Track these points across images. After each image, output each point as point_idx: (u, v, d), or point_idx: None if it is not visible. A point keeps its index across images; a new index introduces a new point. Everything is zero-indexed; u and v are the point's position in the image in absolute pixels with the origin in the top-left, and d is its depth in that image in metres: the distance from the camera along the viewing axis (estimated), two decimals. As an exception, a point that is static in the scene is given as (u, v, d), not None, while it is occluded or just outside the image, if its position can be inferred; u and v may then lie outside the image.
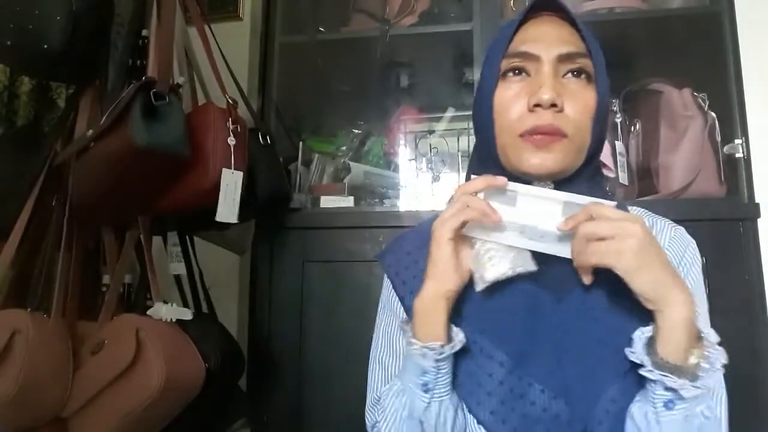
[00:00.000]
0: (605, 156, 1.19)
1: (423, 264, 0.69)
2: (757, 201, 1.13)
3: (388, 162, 1.46)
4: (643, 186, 1.25)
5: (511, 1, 1.32)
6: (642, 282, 0.55)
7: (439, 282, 0.62)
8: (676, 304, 0.54)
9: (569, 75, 0.65)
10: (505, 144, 0.66)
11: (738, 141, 1.16)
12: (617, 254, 0.55)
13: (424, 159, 1.39)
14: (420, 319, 0.62)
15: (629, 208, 0.72)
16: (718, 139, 1.18)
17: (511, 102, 0.65)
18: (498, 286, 0.63)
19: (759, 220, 1.11)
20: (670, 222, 0.71)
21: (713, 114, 1.19)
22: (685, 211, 1.12)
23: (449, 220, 0.61)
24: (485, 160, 0.70)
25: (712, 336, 0.57)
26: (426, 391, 0.61)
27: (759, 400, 1.06)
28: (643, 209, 0.73)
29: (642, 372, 0.56)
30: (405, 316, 0.70)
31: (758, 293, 1.10)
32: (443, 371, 0.61)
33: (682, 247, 0.68)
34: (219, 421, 1.12)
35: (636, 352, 0.57)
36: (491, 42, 0.71)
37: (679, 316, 0.54)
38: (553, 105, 0.62)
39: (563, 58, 0.64)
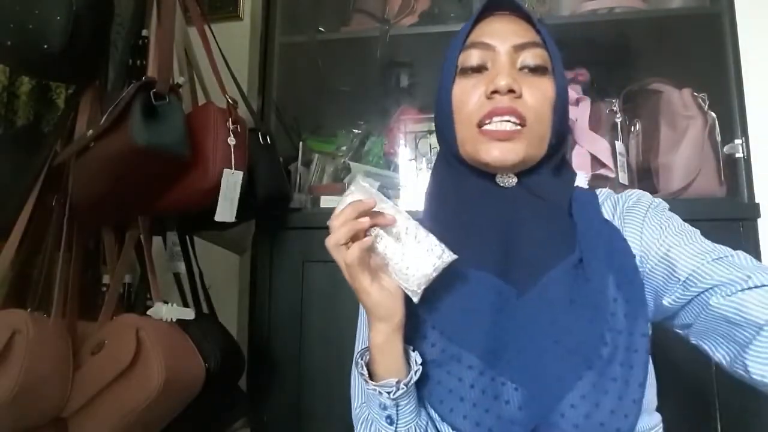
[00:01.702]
0: (605, 156, 1.19)
1: None
2: (757, 201, 1.13)
3: (388, 162, 1.45)
4: (643, 186, 1.24)
5: (511, 1, 1.32)
6: None
7: (387, 320, 0.60)
8: None
9: (526, 70, 0.65)
10: (464, 138, 0.65)
11: (738, 141, 1.16)
12: None
13: (424, 159, 1.39)
14: (379, 357, 0.61)
15: (597, 191, 0.72)
16: (718, 139, 1.18)
17: (469, 93, 0.65)
18: (460, 286, 0.62)
19: (759, 220, 1.11)
20: (632, 193, 0.71)
21: (713, 114, 1.19)
22: (685, 211, 1.10)
23: (354, 267, 0.59)
24: (449, 159, 0.70)
25: None
26: (390, 423, 0.61)
27: (758, 399, 1.06)
28: (607, 190, 0.73)
29: None
30: None
31: (758, 293, 1.09)
32: (403, 403, 0.61)
33: (643, 204, 0.67)
34: (219, 421, 1.12)
35: None
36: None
37: None
38: (511, 91, 0.62)
39: (519, 48, 0.65)
